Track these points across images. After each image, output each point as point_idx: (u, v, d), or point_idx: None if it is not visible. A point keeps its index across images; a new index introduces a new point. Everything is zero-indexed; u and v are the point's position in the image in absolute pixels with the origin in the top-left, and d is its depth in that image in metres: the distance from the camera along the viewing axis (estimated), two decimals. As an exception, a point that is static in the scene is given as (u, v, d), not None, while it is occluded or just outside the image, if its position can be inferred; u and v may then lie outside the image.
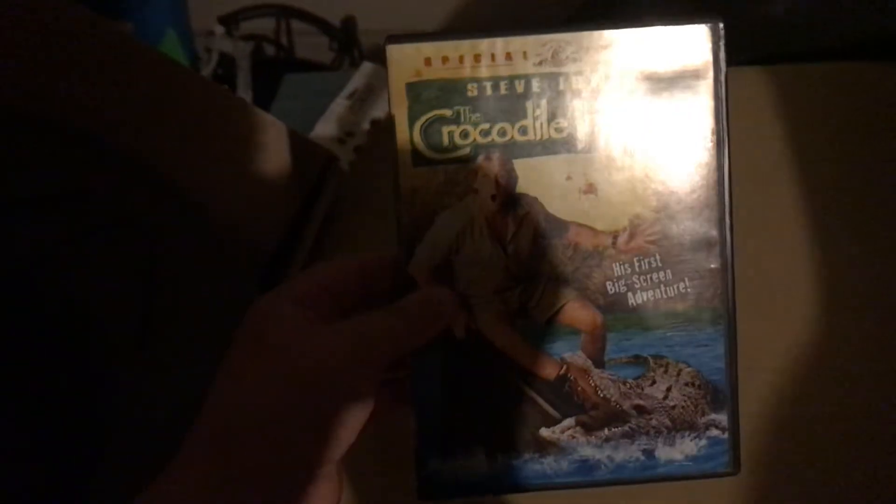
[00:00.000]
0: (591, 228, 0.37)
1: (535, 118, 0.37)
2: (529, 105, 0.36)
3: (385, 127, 0.87)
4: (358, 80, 0.94)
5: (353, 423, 0.33)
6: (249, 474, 0.31)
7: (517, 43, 0.36)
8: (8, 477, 0.48)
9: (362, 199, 0.74)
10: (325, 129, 0.91)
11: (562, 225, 0.37)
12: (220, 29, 1.10)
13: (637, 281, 0.38)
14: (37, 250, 0.52)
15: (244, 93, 1.05)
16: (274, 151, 0.69)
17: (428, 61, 0.36)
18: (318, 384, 0.33)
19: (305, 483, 0.32)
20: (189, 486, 0.31)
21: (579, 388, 0.38)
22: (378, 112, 0.91)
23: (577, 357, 0.38)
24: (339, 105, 0.93)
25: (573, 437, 0.38)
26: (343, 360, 0.33)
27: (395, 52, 0.36)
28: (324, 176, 0.73)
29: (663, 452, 0.38)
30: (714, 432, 0.39)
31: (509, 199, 0.37)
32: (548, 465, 0.38)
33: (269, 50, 1.19)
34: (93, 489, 0.49)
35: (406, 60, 0.36)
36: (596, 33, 0.36)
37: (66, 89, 0.59)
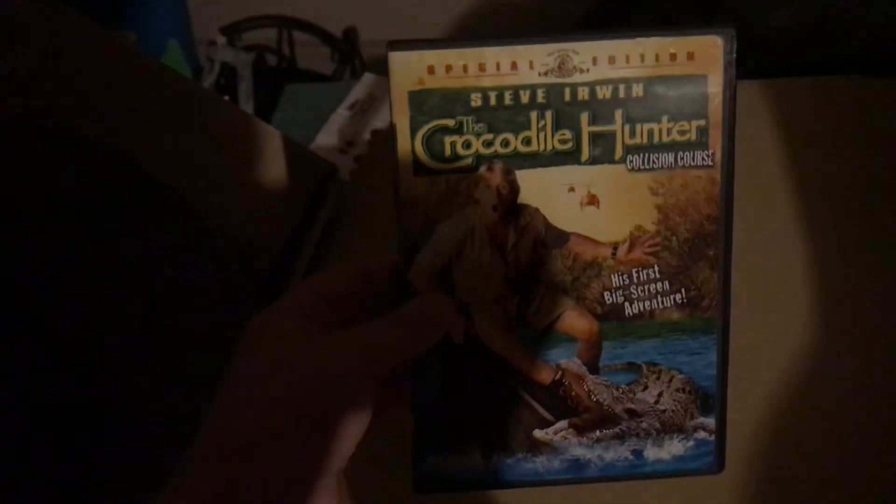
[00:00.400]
0: (592, 240, 0.37)
1: (539, 129, 0.36)
2: (534, 116, 0.36)
3: (386, 135, 0.87)
4: (359, 90, 0.95)
5: (352, 434, 0.33)
6: (247, 491, 0.31)
7: (523, 52, 0.35)
8: (11, 485, 0.48)
9: (363, 209, 0.75)
10: (326, 139, 0.91)
11: (562, 235, 0.37)
12: (222, 39, 1.11)
13: (635, 291, 0.38)
14: (39, 259, 0.52)
15: (246, 103, 1.05)
16: (275, 162, 0.69)
17: (431, 69, 0.35)
18: (316, 398, 0.33)
19: (306, 496, 0.32)
20: (188, 501, 0.31)
21: (573, 393, 0.39)
22: (379, 122, 0.91)
23: (573, 363, 0.38)
24: (341, 115, 0.93)
25: (565, 438, 0.39)
26: (341, 372, 0.33)
27: (397, 59, 0.35)
28: (324, 186, 0.73)
29: (651, 453, 0.39)
30: (701, 434, 0.39)
31: (511, 210, 0.37)
32: (540, 463, 0.39)
33: (271, 60, 1.19)
34: (94, 498, 0.49)
35: (409, 68, 0.35)
36: (604, 42, 0.36)
37: (69, 99, 0.59)
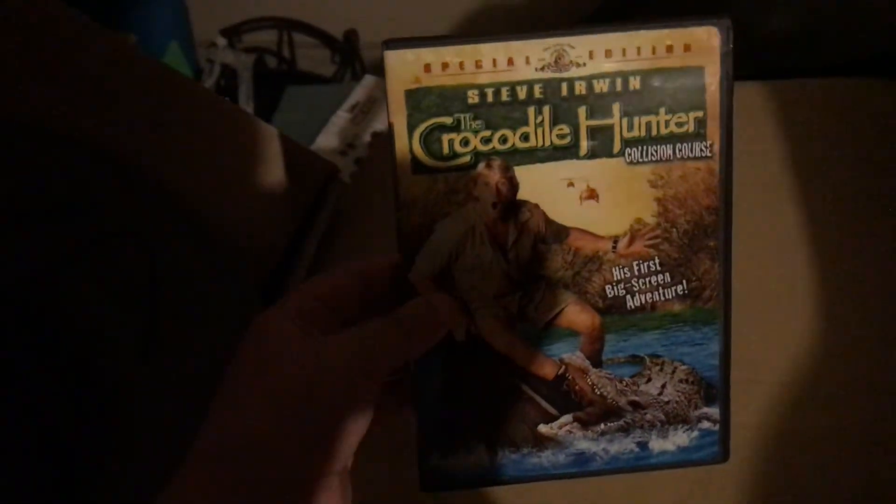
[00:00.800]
0: (592, 234, 0.37)
1: (537, 125, 0.36)
2: (531, 111, 0.36)
3: (384, 135, 0.87)
4: (359, 92, 0.95)
5: (352, 434, 0.33)
6: (248, 489, 0.32)
7: (519, 47, 0.35)
8: (14, 486, 0.48)
9: (363, 211, 0.75)
10: (326, 141, 0.91)
11: (563, 231, 0.37)
12: (222, 41, 1.11)
13: (636, 284, 0.38)
14: (39, 261, 0.52)
15: (246, 105, 1.05)
16: (276, 163, 0.69)
17: (427, 67, 0.35)
18: (317, 398, 0.33)
19: (306, 495, 0.32)
20: (190, 502, 0.31)
21: (577, 387, 0.39)
22: (379, 124, 0.91)
23: (576, 357, 0.39)
24: (341, 117, 0.93)
25: (570, 433, 0.39)
26: (341, 373, 0.33)
27: (393, 58, 0.35)
28: (325, 188, 0.73)
29: (656, 444, 0.39)
30: (706, 424, 0.40)
31: (510, 206, 0.37)
32: (545, 458, 0.39)
33: (272, 62, 1.19)
34: (97, 499, 0.49)
35: (405, 67, 0.35)
36: (600, 36, 0.35)
37: (69, 100, 0.59)
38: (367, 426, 0.34)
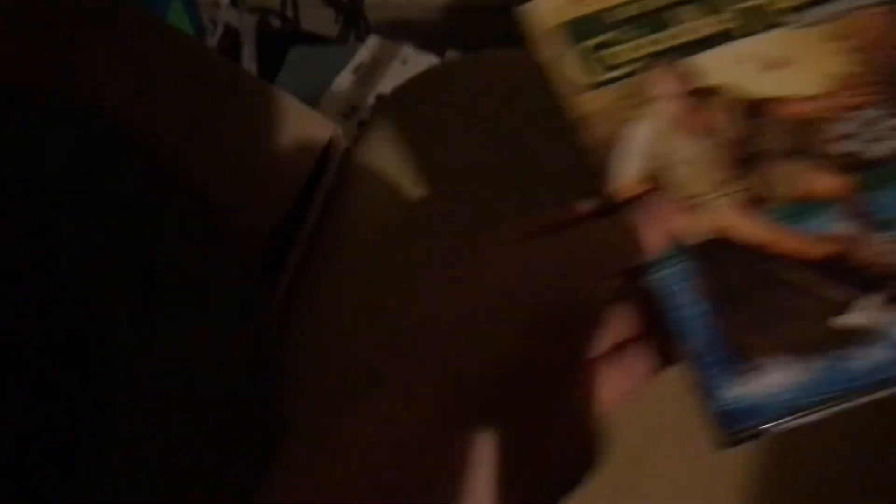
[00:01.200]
0: (796, 98, 0.35)
1: (697, 18, 0.36)
2: (686, 9, 0.36)
3: (389, 98, 0.86)
4: (364, 53, 0.94)
5: (575, 343, 0.31)
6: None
7: None
8: (15, 456, 0.48)
9: (366, 175, 0.74)
10: (330, 103, 0.90)
11: (762, 104, 0.35)
12: (225, 0, 1.09)
13: (870, 132, 0.34)
14: (36, 233, 0.52)
15: (249, 65, 1.04)
16: (279, 125, 0.68)
17: (571, 2, 0.37)
18: (522, 304, 0.30)
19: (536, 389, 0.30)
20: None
21: (862, 260, 0.32)
22: (384, 87, 0.91)
23: (843, 227, 0.33)
24: (345, 79, 0.92)
25: (885, 315, 0.32)
26: (556, 271, 0.31)
27: (534, 7, 0.37)
28: (329, 150, 0.72)
29: None
30: None
31: (696, 96, 0.36)
32: (869, 357, 0.31)
33: (275, 22, 1.18)
34: (94, 477, 0.49)
35: (548, 8, 0.37)
36: None
37: (68, 63, 0.58)
38: (600, 331, 0.31)
